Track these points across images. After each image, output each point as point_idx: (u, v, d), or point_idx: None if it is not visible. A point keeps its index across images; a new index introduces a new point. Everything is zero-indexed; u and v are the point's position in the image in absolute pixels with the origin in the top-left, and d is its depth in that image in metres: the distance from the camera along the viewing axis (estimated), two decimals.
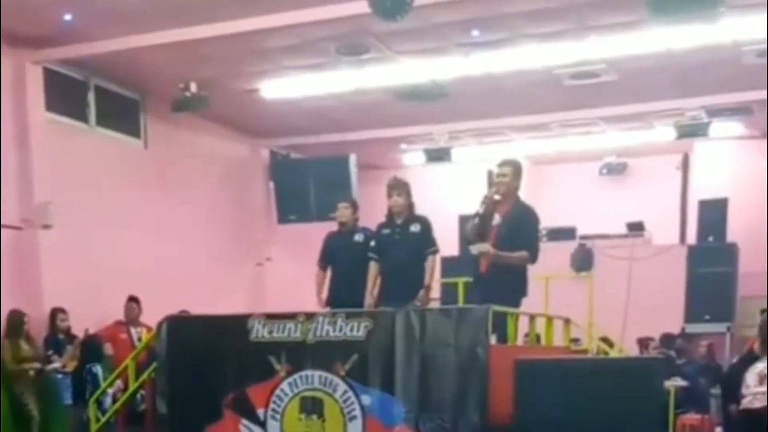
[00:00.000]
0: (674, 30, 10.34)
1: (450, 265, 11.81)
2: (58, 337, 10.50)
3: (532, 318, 7.93)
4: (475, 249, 7.60)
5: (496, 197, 7.68)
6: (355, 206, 9.13)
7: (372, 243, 8.45)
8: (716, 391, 9.99)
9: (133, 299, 11.44)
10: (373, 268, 8.36)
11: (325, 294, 8.93)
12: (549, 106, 13.26)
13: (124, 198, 12.20)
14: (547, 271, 8.89)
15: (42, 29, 10.40)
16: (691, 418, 10.29)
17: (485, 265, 7.61)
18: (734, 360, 8.14)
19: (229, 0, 9.55)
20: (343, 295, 8.53)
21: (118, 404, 8.58)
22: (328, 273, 9.08)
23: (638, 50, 10.93)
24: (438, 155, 14.68)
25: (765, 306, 8.40)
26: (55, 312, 10.62)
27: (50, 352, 10.24)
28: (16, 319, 9.79)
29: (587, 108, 13.39)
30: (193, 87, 11.89)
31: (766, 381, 5.88)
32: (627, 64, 11.36)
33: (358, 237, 8.88)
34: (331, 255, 9.04)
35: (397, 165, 15.77)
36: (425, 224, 8.25)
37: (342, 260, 8.85)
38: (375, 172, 15.19)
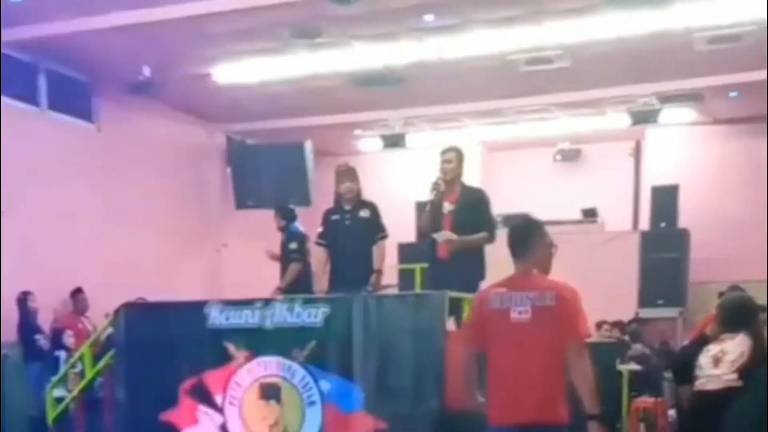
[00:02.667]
0: (627, 16, 10.46)
1: (407, 251, 11.88)
2: (32, 320, 10.40)
3: None
4: (440, 237, 7.66)
5: (442, 187, 7.75)
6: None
7: (320, 229, 8.47)
8: (669, 374, 10.16)
9: (79, 290, 11.33)
10: (322, 253, 8.37)
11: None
12: (503, 92, 13.32)
13: (77, 183, 12.05)
14: (503, 257, 8.89)
15: None
16: (645, 401, 10.45)
17: (444, 252, 7.67)
18: (685, 343, 8.26)
19: None
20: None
21: (75, 391, 8.50)
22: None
23: (591, 36, 11.02)
24: (393, 141, 14.69)
25: (718, 291, 8.56)
26: (25, 294, 10.52)
27: (38, 337, 10.17)
28: None
29: (541, 94, 13.46)
30: (146, 71, 11.78)
31: (720, 363, 5.97)
32: (580, 50, 11.45)
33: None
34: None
35: (352, 151, 15.75)
36: (374, 210, 8.28)
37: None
38: (331, 158, 15.14)
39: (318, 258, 8.49)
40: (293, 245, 9.76)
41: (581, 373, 4.76)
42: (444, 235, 7.64)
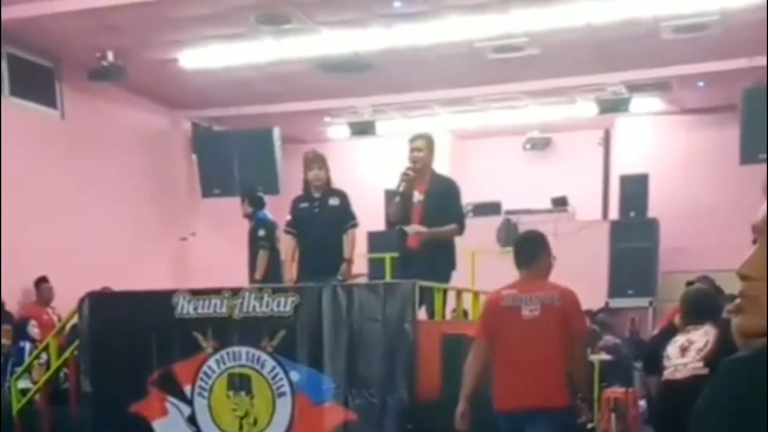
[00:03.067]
0: (595, 3, 10.46)
1: (377, 240, 11.82)
2: None
3: (459, 293, 7.97)
4: (410, 230, 7.59)
5: (411, 174, 7.67)
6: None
7: (288, 217, 8.38)
8: (639, 364, 10.22)
9: (43, 279, 11.17)
10: (290, 242, 8.29)
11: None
12: (472, 79, 13.27)
13: (40, 171, 11.86)
14: (473, 246, 8.94)
15: None
16: (616, 391, 10.48)
17: (414, 241, 7.62)
18: (654, 332, 8.30)
19: None
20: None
21: (40, 383, 8.37)
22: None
23: (560, 24, 11.01)
24: (362, 129, 14.62)
25: (687, 280, 8.60)
26: None
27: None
28: None
29: (510, 82, 13.44)
30: (110, 56, 11.62)
31: (687, 353, 6.00)
32: (549, 38, 11.43)
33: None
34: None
35: (321, 138, 15.65)
36: (344, 198, 8.20)
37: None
38: (299, 145, 15.00)
39: (287, 247, 8.41)
40: (261, 232, 9.69)
41: (581, 363, 5.66)
42: (413, 228, 7.57)
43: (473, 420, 5.70)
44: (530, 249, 5.89)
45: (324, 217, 8.08)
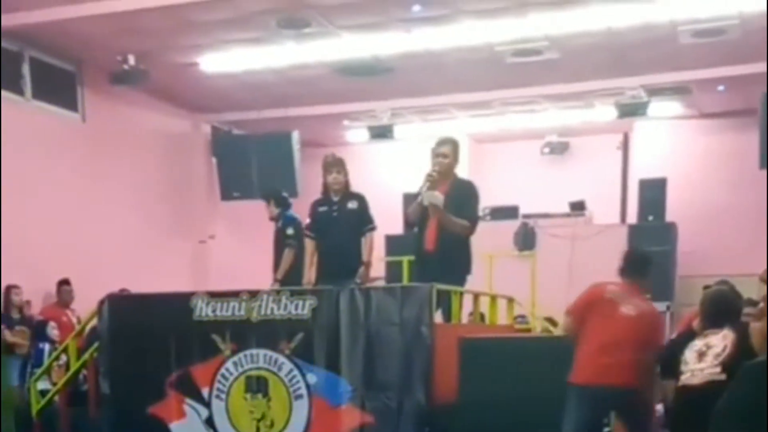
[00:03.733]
0: (614, 8, 10.46)
1: (394, 244, 11.85)
2: (11, 314, 10.31)
3: (476, 297, 7.97)
4: (426, 197, 7.47)
5: (435, 176, 7.67)
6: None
7: (307, 221, 8.42)
8: (656, 369, 10.15)
9: (65, 282, 11.25)
10: (310, 245, 8.32)
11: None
12: (491, 83, 13.29)
13: (61, 173, 11.96)
14: (491, 250, 8.95)
15: None
16: None
17: (430, 244, 7.62)
18: (672, 336, 8.27)
19: None
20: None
21: (59, 384, 8.44)
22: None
23: (579, 28, 11.01)
24: (381, 132, 14.63)
25: (704, 285, 8.57)
26: (9, 288, 10.44)
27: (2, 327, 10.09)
28: None
29: (529, 86, 13.44)
30: (132, 60, 11.70)
31: (704, 358, 5.97)
32: (568, 41, 11.43)
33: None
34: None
35: (340, 142, 15.69)
36: (362, 201, 8.21)
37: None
38: (318, 149, 15.06)
39: (306, 250, 8.42)
40: (290, 230, 9.50)
41: (650, 368, 6.47)
42: (431, 196, 7.46)
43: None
44: (641, 264, 6.79)
45: (342, 221, 8.09)
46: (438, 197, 7.48)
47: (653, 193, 14.05)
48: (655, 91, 13.31)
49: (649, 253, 7.26)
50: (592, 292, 6.66)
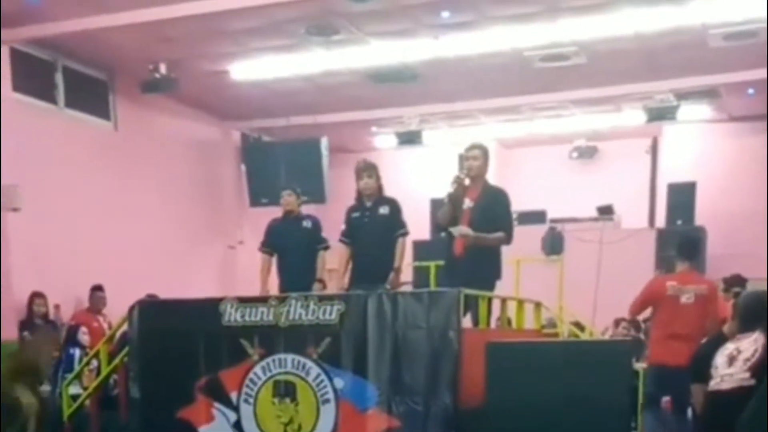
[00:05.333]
0: (642, 12, 10.42)
1: (422, 249, 11.85)
2: (34, 322, 10.44)
3: (503, 301, 7.98)
4: (456, 231, 7.61)
5: (467, 182, 7.71)
6: (298, 194, 9.10)
7: (342, 227, 8.46)
8: None
9: (98, 288, 11.37)
10: (344, 251, 8.36)
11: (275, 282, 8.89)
12: (519, 88, 13.28)
13: (93, 180, 12.11)
14: (518, 255, 8.93)
15: (8, 8, 10.24)
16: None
17: (460, 248, 7.65)
18: (702, 341, 8.21)
19: None
20: (300, 280, 8.43)
21: (90, 389, 8.54)
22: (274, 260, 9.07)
23: (607, 33, 10.99)
24: (409, 138, 14.66)
25: (736, 289, 8.56)
26: (33, 297, 10.57)
27: (24, 334, 10.19)
28: None
29: (557, 91, 13.43)
30: (162, 68, 11.83)
31: (735, 362, 5.92)
32: (596, 46, 11.41)
33: (306, 223, 8.94)
34: (277, 241, 9.01)
35: (368, 148, 15.74)
36: (394, 206, 8.24)
37: (291, 246, 8.82)
38: (346, 155, 15.17)
39: (340, 256, 8.45)
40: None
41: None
42: (460, 230, 7.59)
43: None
44: (694, 245, 8.56)
45: (374, 226, 8.12)
46: (466, 230, 7.57)
47: (682, 197, 13.98)
48: (684, 95, 13.24)
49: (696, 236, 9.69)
50: (652, 291, 8.20)
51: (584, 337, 9.69)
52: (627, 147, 15.84)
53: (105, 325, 11.01)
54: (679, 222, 14.03)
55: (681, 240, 8.51)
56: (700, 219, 13.91)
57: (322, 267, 8.81)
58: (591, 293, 12.85)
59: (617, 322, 11.85)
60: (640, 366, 9.96)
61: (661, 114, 13.39)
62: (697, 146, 14.98)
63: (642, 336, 11.80)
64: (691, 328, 7.68)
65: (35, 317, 10.53)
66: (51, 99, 11.98)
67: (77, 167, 11.88)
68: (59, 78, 12.05)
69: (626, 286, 12.95)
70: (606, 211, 14.87)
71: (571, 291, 9.68)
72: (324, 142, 14.03)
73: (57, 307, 11.08)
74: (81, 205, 11.75)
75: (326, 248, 8.82)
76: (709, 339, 7.61)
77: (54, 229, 11.20)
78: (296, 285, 8.21)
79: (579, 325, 10.13)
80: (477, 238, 7.56)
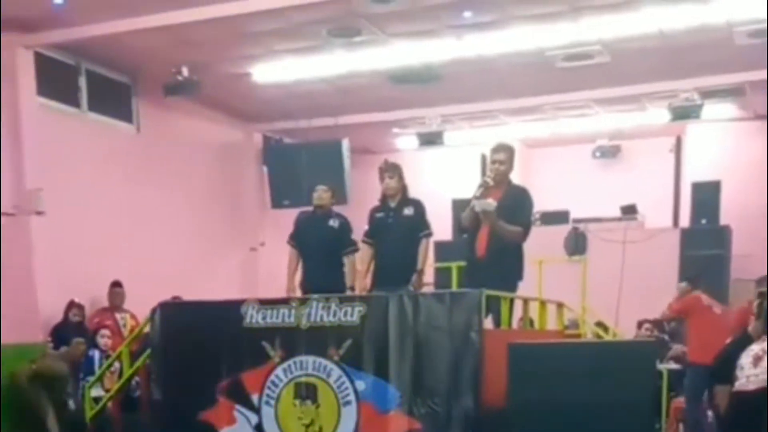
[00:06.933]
0: (666, 10, 10.33)
1: (444, 250, 11.81)
2: (67, 330, 10.52)
3: (525, 302, 7.94)
4: (479, 205, 7.54)
5: (491, 183, 7.67)
6: (333, 192, 9.06)
7: (365, 227, 8.44)
8: None
9: (117, 284, 11.42)
10: (367, 252, 8.35)
11: (298, 278, 8.83)
12: (542, 88, 13.20)
13: (116, 183, 12.15)
14: (541, 255, 8.88)
15: (32, 13, 10.33)
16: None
17: (482, 249, 7.61)
18: (727, 341, 8.15)
19: None
20: (320, 279, 8.38)
21: (113, 391, 8.58)
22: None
23: (631, 31, 10.90)
24: (431, 139, 14.60)
25: (762, 288, 8.49)
26: (71, 305, 10.65)
27: (49, 339, 10.26)
28: None
29: (580, 90, 13.34)
30: (185, 71, 11.85)
31: (760, 363, 5.87)
32: (620, 45, 11.32)
33: (333, 222, 8.82)
34: (300, 235, 8.94)
35: (390, 149, 15.71)
36: (419, 207, 8.22)
37: (315, 243, 8.74)
38: (368, 156, 15.16)
39: (363, 256, 8.42)
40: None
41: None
42: (484, 203, 7.51)
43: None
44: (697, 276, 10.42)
45: (397, 227, 8.12)
46: (490, 204, 7.48)
47: (707, 196, 13.85)
48: (708, 94, 13.10)
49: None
50: (689, 303, 10.20)
51: (608, 337, 9.63)
52: (651, 146, 15.71)
53: (120, 322, 11.06)
54: (704, 221, 13.90)
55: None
56: (724, 218, 13.78)
57: (351, 272, 8.62)
58: (614, 294, 12.77)
59: (640, 324, 11.79)
60: (663, 367, 9.91)
61: (685, 113, 13.25)
62: (722, 145, 14.83)
63: (666, 337, 11.74)
64: (724, 332, 8.72)
65: (69, 326, 10.58)
66: (74, 103, 12.03)
67: (100, 171, 11.93)
68: (83, 82, 12.10)
69: (650, 286, 12.93)
70: (629, 211, 14.77)
71: (595, 291, 9.62)
72: (345, 144, 14.01)
73: (80, 307, 11.12)
74: (104, 209, 11.79)
75: (355, 251, 8.66)
76: (733, 340, 7.54)
77: (77, 232, 11.25)
78: (316, 286, 8.19)
79: (602, 326, 10.06)
80: (496, 220, 7.49)
